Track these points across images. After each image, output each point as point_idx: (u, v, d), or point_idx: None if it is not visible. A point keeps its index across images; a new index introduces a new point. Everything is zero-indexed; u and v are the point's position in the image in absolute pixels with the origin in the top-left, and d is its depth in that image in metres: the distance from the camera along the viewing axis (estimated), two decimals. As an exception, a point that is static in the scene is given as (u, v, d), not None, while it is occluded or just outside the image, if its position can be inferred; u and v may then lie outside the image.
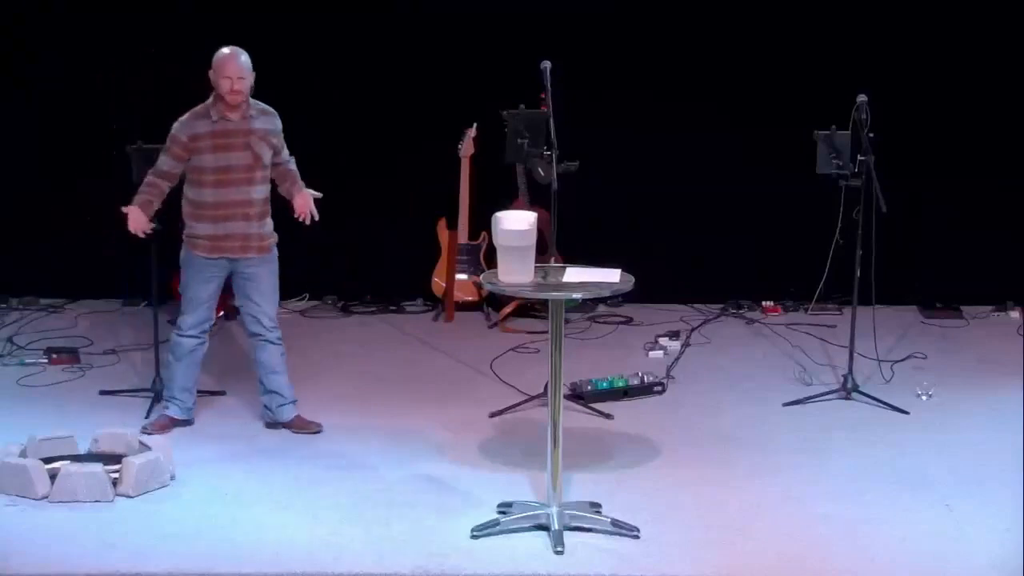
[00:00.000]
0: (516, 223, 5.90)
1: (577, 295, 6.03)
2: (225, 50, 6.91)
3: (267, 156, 6.99)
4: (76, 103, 9.31)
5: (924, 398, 7.75)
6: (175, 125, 6.94)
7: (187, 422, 7.25)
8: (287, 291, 9.54)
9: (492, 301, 9.26)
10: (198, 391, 7.75)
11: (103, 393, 7.78)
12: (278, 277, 7.23)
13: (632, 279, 6.06)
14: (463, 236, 9.37)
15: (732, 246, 9.53)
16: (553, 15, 9.17)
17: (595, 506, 6.25)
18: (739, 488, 6.58)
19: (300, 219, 7.15)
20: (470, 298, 9.40)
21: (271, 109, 7.06)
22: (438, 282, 9.43)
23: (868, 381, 7.89)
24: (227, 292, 9.28)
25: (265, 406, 7.26)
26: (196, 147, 6.90)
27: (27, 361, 8.30)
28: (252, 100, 6.98)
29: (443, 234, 9.41)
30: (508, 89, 7.77)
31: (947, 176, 9.27)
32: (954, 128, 9.27)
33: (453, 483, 6.59)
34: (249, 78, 6.89)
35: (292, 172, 7.17)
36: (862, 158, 7.39)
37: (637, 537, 6.02)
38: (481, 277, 6.61)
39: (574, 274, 6.07)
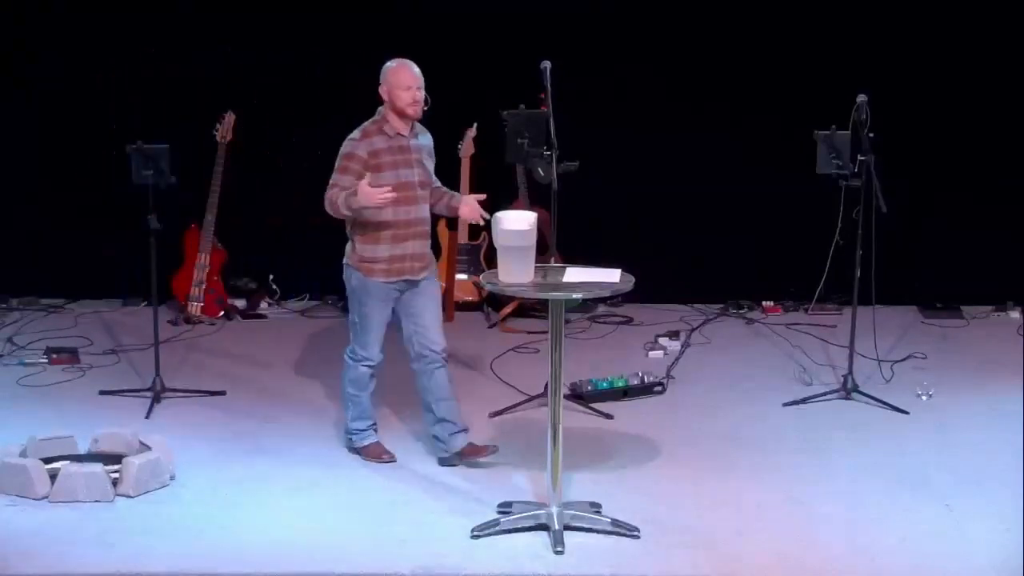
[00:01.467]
0: (516, 223, 5.90)
1: (577, 295, 6.03)
2: (395, 62, 6.54)
3: (432, 174, 6.73)
4: (76, 103, 9.31)
5: (924, 398, 7.75)
6: (347, 144, 6.57)
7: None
8: (287, 291, 9.63)
9: (492, 301, 9.26)
10: (198, 391, 7.78)
11: (103, 393, 7.78)
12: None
13: (632, 279, 6.06)
14: (463, 236, 9.37)
15: (732, 246, 9.52)
16: (553, 15, 9.17)
17: (595, 506, 6.25)
18: (739, 488, 6.58)
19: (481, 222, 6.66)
20: (470, 298, 9.40)
21: (422, 126, 6.73)
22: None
23: (868, 381, 7.89)
24: (228, 292, 9.34)
25: (436, 437, 6.76)
26: (376, 164, 6.51)
27: (27, 361, 8.30)
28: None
29: (443, 234, 9.40)
30: (508, 89, 7.76)
31: (947, 176, 9.27)
32: (954, 128, 9.27)
33: (453, 483, 6.59)
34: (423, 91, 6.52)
35: (443, 188, 6.83)
36: (862, 158, 7.39)
37: (637, 537, 6.02)
38: (481, 277, 6.61)
39: (574, 274, 6.07)
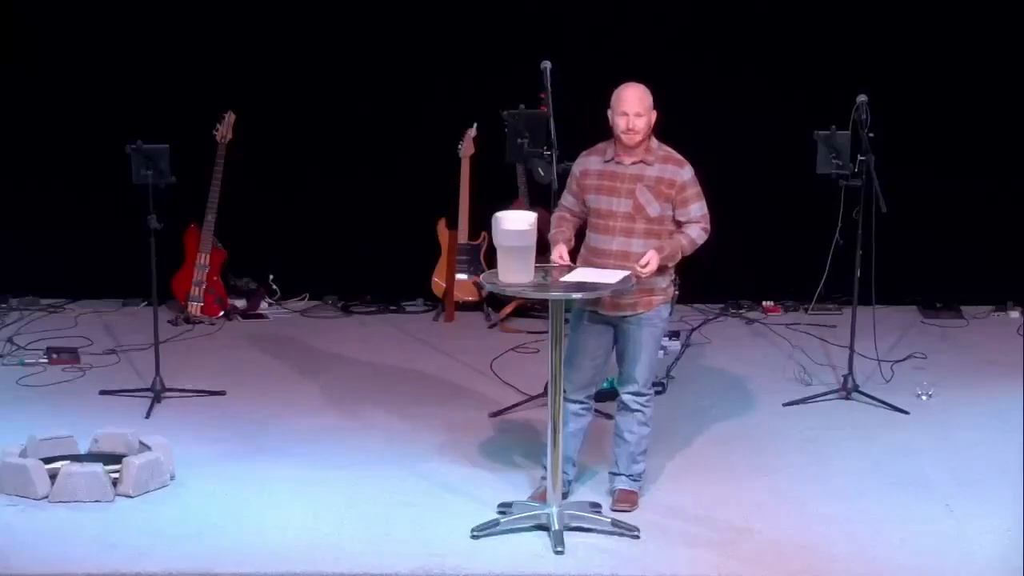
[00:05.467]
0: (516, 223, 5.90)
1: (577, 295, 6.03)
2: (624, 85, 6.29)
3: (654, 208, 6.14)
4: (76, 103, 9.31)
5: (924, 398, 7.75)
6: (578, 159, 6.37)
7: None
8: (288, 291, 9.63)
9: (492, 301, 9.26)
10: (198, 391, 7.77)
11: (103, 393, 7.78)
12: (656, 340, 6.29)
13: (632, 279, 6.05)
14: (463, 236, 9.37)
15: (732, 246, 9.50)
16: (553, 15, 9.17)
17: (595, 506, 6.25)
18: (739, 488, 6.58)
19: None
20: (470, 298, 9.40)
21: (681, 158, 6.23)
22: (438, 282, 9.43)
23: (868, 381, 7.89)
24: (228, 292, 9.34)
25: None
26: (585, 184, 6.25)
27: (27, 361, 8.30)
28: (661, 145, 6.25)
29: (443, 234, 9.41)
30: (508, 89, 7.76)
31: (947, 176, 9.25)
32: (954, 128, 9.26)
33: (453, 483, 6.59)
34: (648, 116, 6.17)
35: (680, 238, 6.20)
36: (862, 158, 7.39)
37: (637, 537, 6.02)
38: (481, 277, 6.61)
39: (579, 274, 6.07)
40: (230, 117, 9.14)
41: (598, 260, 6.18)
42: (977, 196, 9.28)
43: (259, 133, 9.23)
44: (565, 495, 6.29)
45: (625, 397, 6.31)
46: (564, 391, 6.14)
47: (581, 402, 6.34)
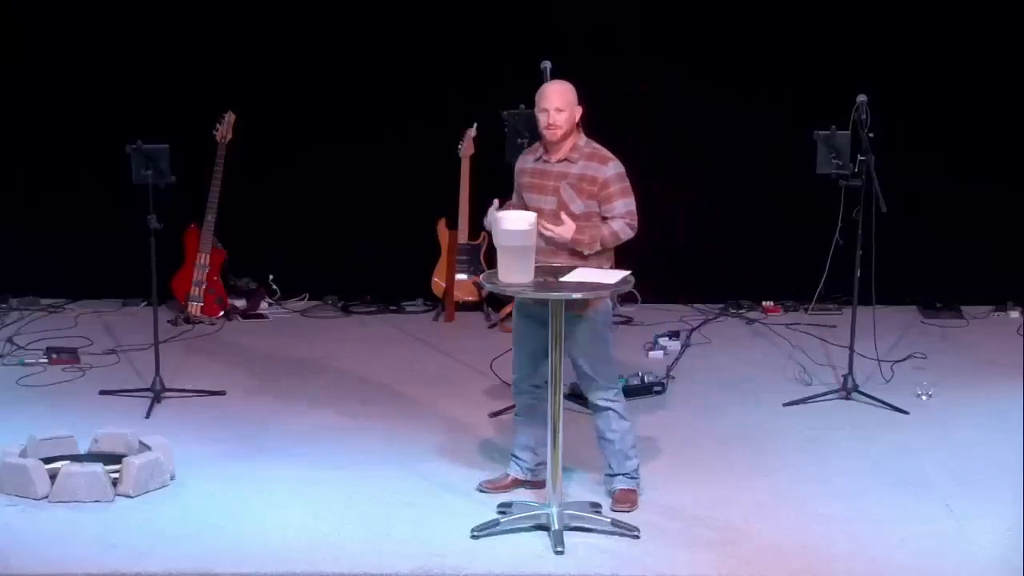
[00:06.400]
0: (516, 223, 5.89)
1: (577, 295, 6.02)
2: (548, 82, 6.31)
3: (578, 205, 6.12)
4: (76, 103, 9.31)
5: (924, 398, 7.75)
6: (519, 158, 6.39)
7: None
8: (288, 291, 9.64)
9: (492, 301, 9.26)
10: (198, 391, 7.77)
11: (103, 393, 7.78)
12: (604, 333, 6.24)
13: (632, 279, 6.06)
14: (463, 236, 9.37)
15: (732, 246, 9.53)
16: (553, 15, 9.17)
17: (595, 506, 6.25)
18: (739, 488, 6.58)
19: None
20: (470, 298, 9.40)
21: (607, 155, 6.19)
22: (438, 282, 9.43)
23: (868, 381, 7.89)
24: (228, 292, 9.34)
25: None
26: (520, 183, 6.29)
27: (27, 361, 8.30)
28: (589, 142, 6.23)
29: (443, 234, 9.41)
30: (508, 89, 7.76)
31: (947, 176, 9.26)
32: (954, 128, 9.26)
33: (453, 483, 6.59)
34: (569, 112, 6.11)
35: (603, 227, 6.17)
36: (862, 158, 7.39)
37: (637, 537, 6.02)
38: (481, 277, 6.60)
39: (581, 274, 6.07)
40: (230, 117, 9.15)
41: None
42: (977, 196, 9.29)
43: (259, 133, 9.24)
44: (525, 481, 6.45)
45: (592, 398, 6.29)
46: (513, 382, 6.33)
47: (528, 391, 6.37)
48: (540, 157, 6.25)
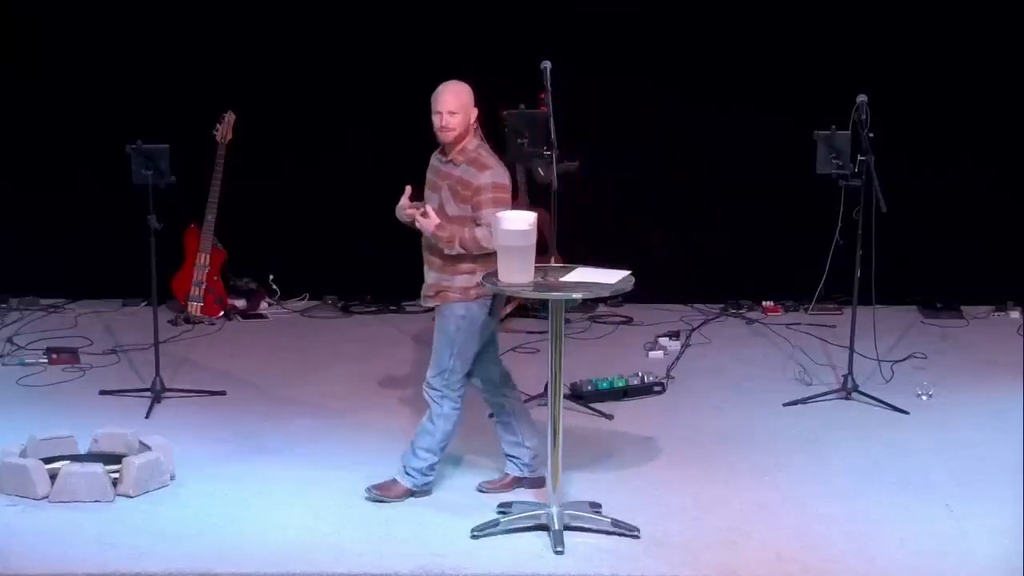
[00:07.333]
0: (516, 223, 5.90)
1: (577, 295, 6.03)
2: (443, 84, 6.34)
3: (452, 208, 6.17)
4: (76, 103, 9.31)
5: (924, 398, 7.75)
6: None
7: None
8: (288, 291, 9.64)
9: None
10: (198, 391, 7.77)
11: (103, 393, 7.78)
12: (448, 337, 6.25)
13: (632, 279, 6.06)
14: (463, 236, 9.36)
15: (732, 246, 9.53)
16: (553, 15, 9.17)
17: (595, 506, 6.25)
18: (739, 488, 6.58)
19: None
20: (470, 298, 9.38)
21: (488, 163, 6.18)
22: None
23: (868, 381, 7.89)
24: (228, 292, 9.34)
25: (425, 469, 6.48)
26: (426, 179, 6.40)
27: (27, 361, 8.30)
28: (479, 147, 6.25)
29: (443, 234, 9.40)
30: (508, 89, 7.76)
31: (947, 176, 9.26)
32: (954, 128, 9.26)
33: (453, 483, 6.59)
34: (463, 114, 6.18)
35: (465, 229, 6.15)
36: (862, 158, 7.39)
37: (637, 537, 6.02)
38: (482, 277, 6.60)
39: (581, 274, 6.07)
40: (230, 117, 9.14)
41: (423, 250, 6.35)
42: (977, 196, 9.29)
43: (259, 133, 9.24)
44: (526, 480, 6.50)
45: (423, 387, 6.37)
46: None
47: (485, 391, 6.48)
48: (439, 156, 6.36)
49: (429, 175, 6.39)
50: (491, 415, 7.47)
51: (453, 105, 6.19)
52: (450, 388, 6.33)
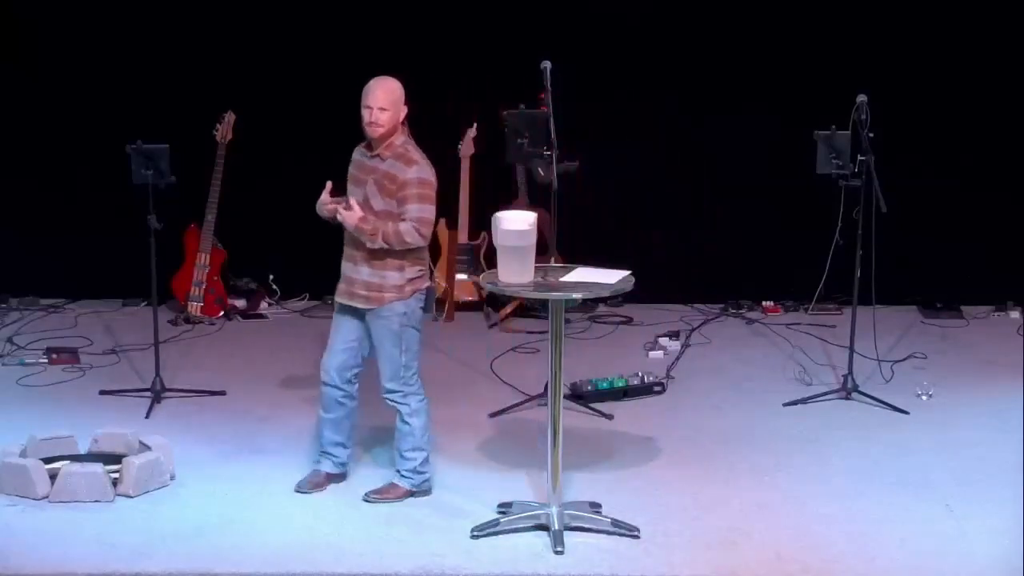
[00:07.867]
0: (516, 223, 5.90)
1: (577, 295, 6.03)
2: (374, 79, 6.32)
3: (378, 202, 6.21)
4: (76, 103, 9.31)
5: (924, 398, 7.75)
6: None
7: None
8: (288, 291, 9.64)
9: (492, 301, 9.26)
10: (198, 391, 7.78)
11: (103, 393, 7.78)
12: (394, 336, 6.29)
13: (632, 279, 6.06)
14: (463, 236, 9.37)
15: (732, 246, 9.52)
16: (553, 15, 9.17)
17: (595, 506, 6.25)
18: (739, 488, 6.58)
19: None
20: (470, 298, 9.40)
21: (415, 158, 6.21)
22: (438, 282, 9.42)
23: (868, 381, 7.89)
24: (228, 292, 9.34)
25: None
26: (348, 174, 6.41)
27: (27, 361, 8.30)
28: (406, 143, 6.26)
29: (443, 234, 9.40)
30: (508, 89, 7.76)
31: (947, 176, 9.26)
32: (954, 128, 9.26)
33: (453, 483, 6.59)
34: (393, 111, 6.19)
35: (390, 224, 6.19)
36: (862, 158, 7.39)
37: (637, 537, 6.02)
38: (481, 277, 6.60)
39: (581, 274, 6.07)
40: (230, 117, 9.14)
41: (345, 249, 6.41)
42: (977, 196, 9.29)
43: (259, 133, 9.24)
44: (340, 476, 6.55)
45: (382, 391, 6.37)
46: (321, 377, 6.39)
47: (338, 388, 6.43)
48: (363, 151, 6.36)
49: (352, 170, 6.41)
50: (491, 415, 7.49)
51: (384, 101, 6.21)
52: (408, 385, 6.37)
